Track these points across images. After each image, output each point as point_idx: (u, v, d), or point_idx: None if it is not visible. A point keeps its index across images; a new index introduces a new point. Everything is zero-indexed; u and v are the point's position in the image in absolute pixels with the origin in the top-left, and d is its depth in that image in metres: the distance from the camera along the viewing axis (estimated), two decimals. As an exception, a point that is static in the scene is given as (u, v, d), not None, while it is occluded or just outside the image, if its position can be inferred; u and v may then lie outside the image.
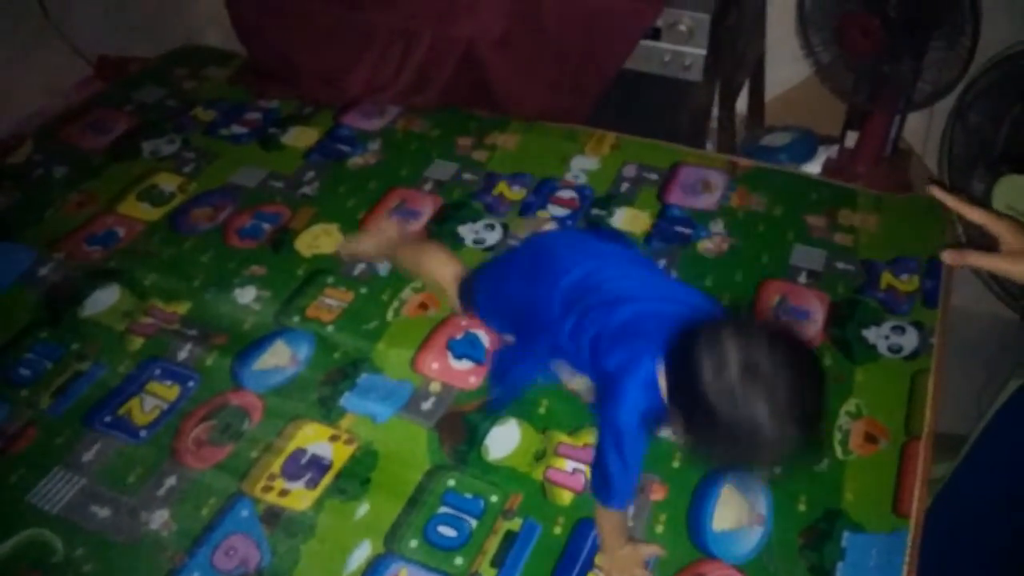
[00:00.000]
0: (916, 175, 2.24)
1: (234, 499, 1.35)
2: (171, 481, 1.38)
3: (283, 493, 1.36)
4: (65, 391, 1.52)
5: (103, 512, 1.34)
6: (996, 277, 1.64)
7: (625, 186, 1.97)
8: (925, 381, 1.53)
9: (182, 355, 1.58)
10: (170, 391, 1.52)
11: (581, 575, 1.25)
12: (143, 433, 1.45)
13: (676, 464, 1.40)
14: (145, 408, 1.49)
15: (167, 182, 2.02)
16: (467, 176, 2.02)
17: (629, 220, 1.89)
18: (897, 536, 1.29)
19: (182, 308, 1.68)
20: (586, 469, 1.39)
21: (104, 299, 1.70)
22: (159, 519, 1.32)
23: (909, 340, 1.61)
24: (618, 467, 1.16)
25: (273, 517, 1.33)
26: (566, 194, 1.96)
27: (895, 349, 1.60)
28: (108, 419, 1.48)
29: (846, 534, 1.30)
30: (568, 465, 1.40)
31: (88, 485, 1.38)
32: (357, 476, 1.37)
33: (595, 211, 1.91)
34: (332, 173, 2.04)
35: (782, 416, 0.97)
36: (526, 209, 1.92)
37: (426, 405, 1.49)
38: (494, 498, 1.36)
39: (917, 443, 1.42)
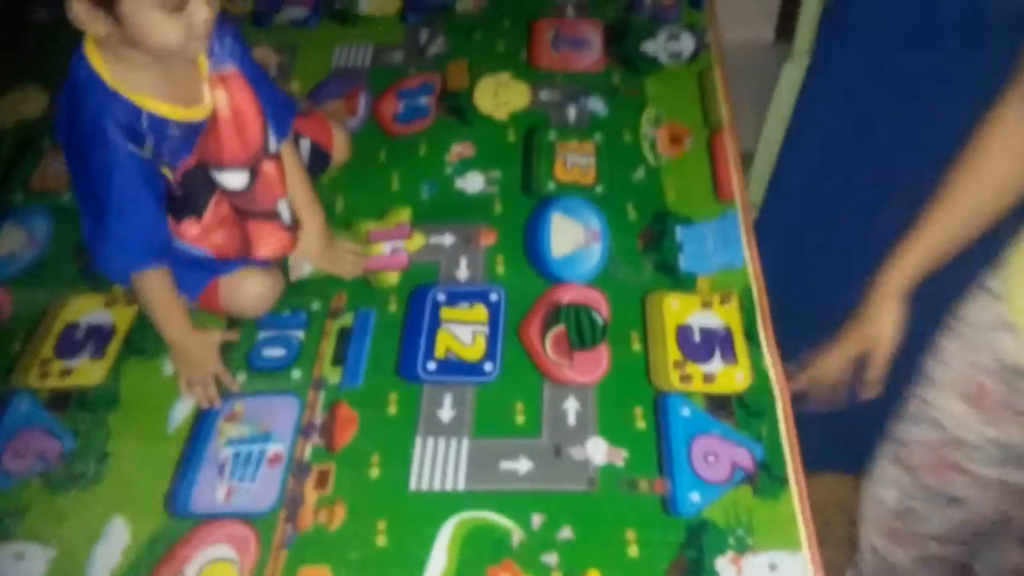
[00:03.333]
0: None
1: (6, 397, 1.12)
2: (-83, 405, 1.11)
3: (65, 373, 1.14)
4: None
5: None
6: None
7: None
8: (711, 77, 1.51)
9: None
10: None
11: (431, 335, 1.16)
12: None
13: (498, 208, 1.31)
14: None
15: None
16: None
17: (377, 6, 1.71)
18: (726, 218, 1.28)
19: None
20: (405, 243, 1.26)
21: None
22: (-85, 446, 1.07)
23: (686, 44, 1.59)
24: (110, 217, 0.98)
25: (61, 400, 1.11)
26: (300, -3, 1.73)
27: (675, 55, 1.57)
28: None
29: (678, 228, 1.27)
30: (385, 247, 1.27)
31: None
32: (150, 333, 1.16)
33: (337, 3, 1.71)
34: (11, 36, 1.70)
35: None
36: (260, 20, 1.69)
37: (209, 238, 1.28)
38: (315, 305, 1.21)
39: (721, 134, 1.40)
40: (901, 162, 1.15)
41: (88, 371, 1.14)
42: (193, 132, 1.03)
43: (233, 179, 1.09)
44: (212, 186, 1.10)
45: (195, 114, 1.03)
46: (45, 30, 1.71)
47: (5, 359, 1.16)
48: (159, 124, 0.99)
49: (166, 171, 1.03)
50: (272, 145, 1.13)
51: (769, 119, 1.89)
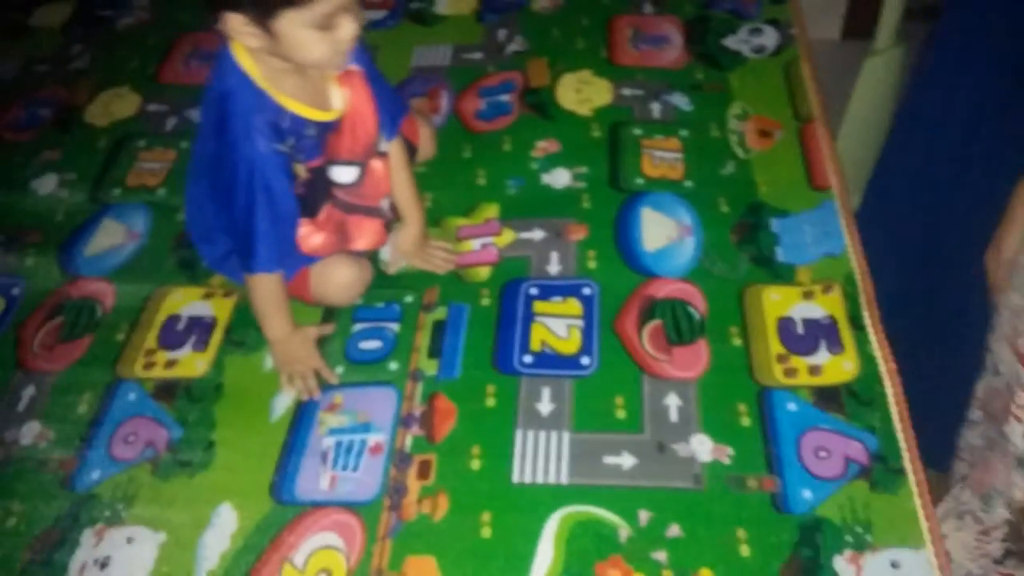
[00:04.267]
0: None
1: (114, 386, 1.14)
2: (29, 392, 1.15)
3: (170, 364, 1.16)
4: None
5: (-45, 449, 1.10)
6: None
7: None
8: (798, 70, 1.49)
9: (-7, 264, 1.31)
10: (-7, 305, 1.26)
11: (526, 328, 1.15)
12: (-24, 356, 1.20)
13: (587, 203, 1.30)
14: (-32, 331, 1.23)
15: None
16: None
17: (454, 6, 1.72)
18: (824, 208, 1.26)
19: (-27, 219, 1.39)
20: (494, 239, 1.26)
21: None
22: (31, 433, 1.10)
23: (769, 38, 1.57)
24: (260, 214, 1.00)
25: (168, 390, 1.13)
26: (378, -6, 1.75)
27: (759, 50, 1.55)
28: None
29: (773, 220, 1.25)
30: (475, 243, 1.27)
31: (-76, 432, 1.12)
32: (251, 326, 1.18)
33: (414, 4, 1.73)
34: (103, 40, 1.75)
35: None
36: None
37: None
38: (408, 298, 1.21)
39: (812, 124, 1.38)
40: (1013, 159, 1.12)
41: (192, 363, 1.15)
42: (325, 132, 1.05)
43: (345, 174, 1.11)
44: (329, 187, 1.11)
45: (328, 116, 1.04)
46: (134, 33, 1.75)
47: (111, 349, 1.18)
48: (299, 124, 1.01)
49: (299, 168, 1.04)
50: (383, 143, 1.14)
51: (850, 113, 1.86)
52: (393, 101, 1.16)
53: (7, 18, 1.83)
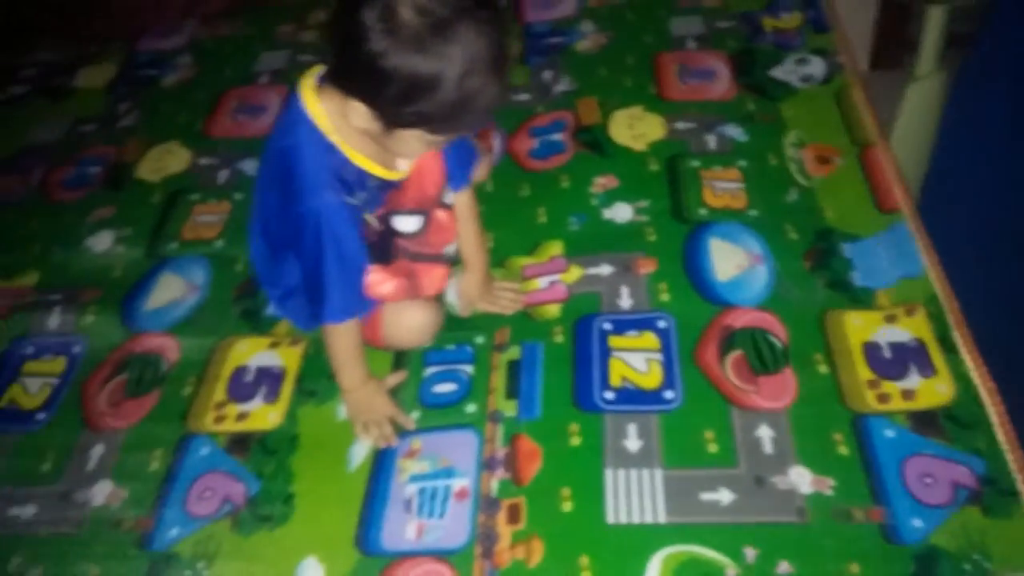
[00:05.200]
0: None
1: (185, 441, 1.11)
2: (99, 451, 1.12)
3: (241, 417, 1.13)
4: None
5: (27, 511, 1.07)
6: None
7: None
8: (849, 96, 1.48)
9: (53, 323, 1.30)
10: (55, 364, 1.25)
11: (603, 364, 1.12)
12: (40, 416, 1.19)
13: (652, 236, 1.28)
14: (31, 391, 1.22)
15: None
16: (304, 58, 1.78)
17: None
18: (896, 230, 1.23)
19: (30, 279, 1.39)
20: (561, 277, 1.24)
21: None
22: (102, 493, 1.07)
23: (816, 67, 1.57)
24: (329, 265, 0.98)
25: (241, 444, 1.10)
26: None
27: (807, 79, 1.54)
28: (-11, 417, 1.19)
29: (845, 245, 1.23)
30: (542, 282, 1.25)
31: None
32: (323, 375, 1.15)
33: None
34: (149, 98, 1.76)
35: (476, 57, 0.82)
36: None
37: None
38: (480, 339, 1.19)
39: (872, 148, 1.36)
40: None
41: (264, 415, 1.13)
42: (387, 187, 1.03)
43: (407, 223, 1.09)
44: (395, 234, 1.09)
45: (394, 175, 1.03)
46: (179, 90, 1.76)
47: (179, 404, 1.16)
48: (362, 177, 0.99)
49: (370, 218, 1.03)
50: (449, 196, 1.12)
51: (895, 138, 1.85)
52: (463, 151, 1.13)
53: (52, 82, 1.85)
